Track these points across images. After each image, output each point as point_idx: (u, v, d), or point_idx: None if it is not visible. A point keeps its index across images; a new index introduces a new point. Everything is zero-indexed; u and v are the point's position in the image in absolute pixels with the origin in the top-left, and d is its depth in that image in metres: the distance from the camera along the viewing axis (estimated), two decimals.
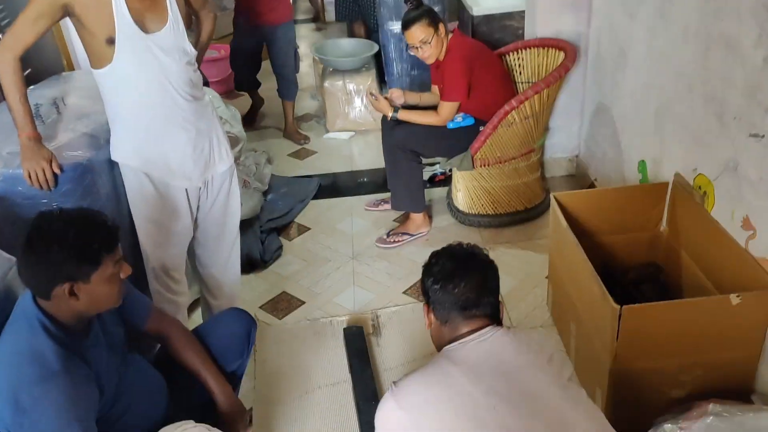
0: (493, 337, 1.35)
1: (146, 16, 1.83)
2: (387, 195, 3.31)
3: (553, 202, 2.25)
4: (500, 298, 1.47)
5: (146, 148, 1.97)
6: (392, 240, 3.04)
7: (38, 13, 1.75)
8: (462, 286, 1.40)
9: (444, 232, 3.11)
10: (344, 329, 2.50)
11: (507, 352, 1.33)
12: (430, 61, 2.82)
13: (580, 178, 3.36)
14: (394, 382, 1.35)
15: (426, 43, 2.74)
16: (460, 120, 2.87)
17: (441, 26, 2.78)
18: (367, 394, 2.22)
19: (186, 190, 2.07)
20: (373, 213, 3.31)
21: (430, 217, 3.17)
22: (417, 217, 3.07)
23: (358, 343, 2.43)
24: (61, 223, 1.43)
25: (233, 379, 1.94)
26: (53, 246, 1.39)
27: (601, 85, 2.96)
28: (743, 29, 1.79)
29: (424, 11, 2.76)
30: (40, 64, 2.69)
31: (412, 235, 3.06)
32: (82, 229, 1.43)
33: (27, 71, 2.48)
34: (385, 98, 2.99)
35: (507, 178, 3.01)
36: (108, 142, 2.03)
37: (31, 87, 2.39)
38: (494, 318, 1.42)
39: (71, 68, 2.97)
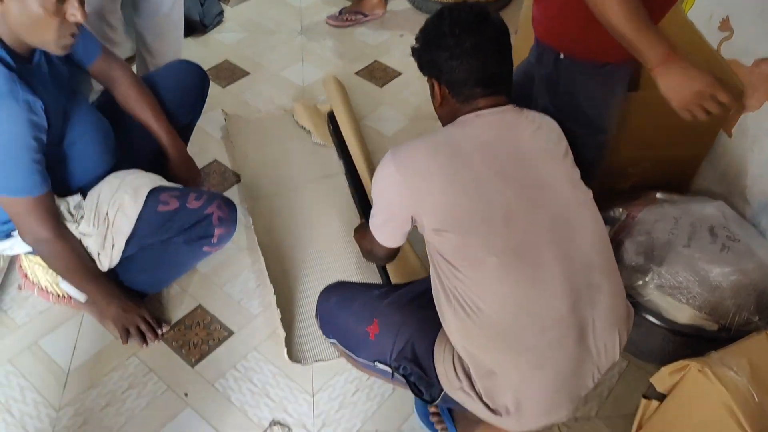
0: (512, 114, 1.24)
1: None
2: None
3: None
4: None
5: None
6: (345, 18, 2.84)
7: None
8: (485, 60, 1.22)
9: (399, 17, 2.94)
10: (328, 114, 2.33)
11: (525, 134, 1.22)
12: None
13: None
14: (395, 147, 1.22)
15: None
16: None
17: None
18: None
19: None
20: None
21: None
22: None
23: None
24: None
25: (185, 133, 1.83)
26: None
27: None
28: None
29: None
30: None
31: (366, 15, 2.87)
32: None
33: None
34: None
35: None
36: None
37: None
38: (510, 95, 1.30)
39: None
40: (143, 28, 2.19)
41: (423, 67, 1.32)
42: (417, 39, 1.31)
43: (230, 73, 2.55)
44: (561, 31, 1.44)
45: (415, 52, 1.31)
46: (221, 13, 2.80)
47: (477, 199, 1.15)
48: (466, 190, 1.15)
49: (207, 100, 1.88)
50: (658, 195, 1.75)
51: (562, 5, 1.41)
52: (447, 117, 1.30)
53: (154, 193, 1.51)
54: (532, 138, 1.23)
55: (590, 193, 1.26)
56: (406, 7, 3.00)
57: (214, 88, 2.45)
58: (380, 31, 2.85)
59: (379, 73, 2.60)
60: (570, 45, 1.44)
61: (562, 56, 1.45)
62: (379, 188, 1.25)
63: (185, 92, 1.78)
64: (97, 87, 1.94)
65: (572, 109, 1.48)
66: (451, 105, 1.27)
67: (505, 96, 1.27)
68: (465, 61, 1.22)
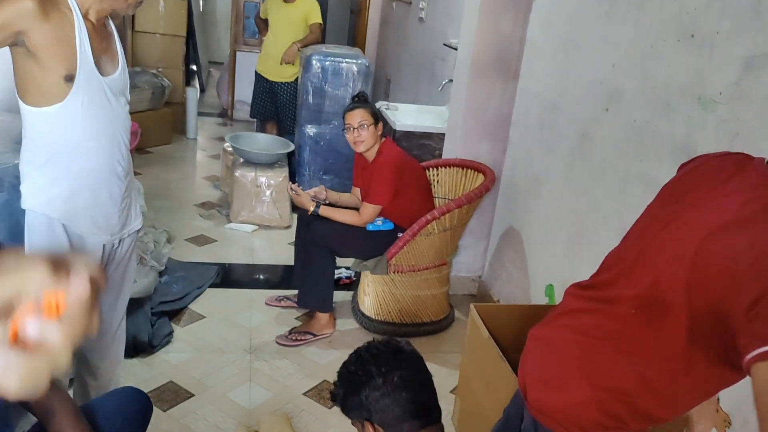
0: None
1: (102, 57, 1.73)
2: (289, 292, 3.21)
3: (473, 312, 2.26)
4: None
5: (76, 197, 1.77)
6: (294, 338, 2.89)
7: None
8: (416, 392, 1.26)
9: (347, 336, 3.01)
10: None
11: None
12: (361, 148, 2.86)
13: (481, 298, 3.44)
14: None
15: (364, 127, 2.81)
16: (380, 224, 2.89)
17: (380, 124, 2.88)
18: None
19: (103, 246, 1.88)
20: (274, 308, 3.16)
21: (335, 319, 3.08)
22: (323, 317, 2.96)
23: None
24: None
25: None
26: None
27: (513, 209, 3.13)
28: (663, 168, 1.98)
29: (370, 103, 2.91)
30: None
31: (315, 336, 2.93)
32: None
33: None
34: (305, 192, 2.97)
35: (417, 287, 3.01)
36: (12, 185, 1.82)
37: None
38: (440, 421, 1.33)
39: None
40: (88, 350, 2.15)
41: (349, 411, 1.30)
42: (336, 384, 1.32)
43: (174, 395, 2.46)
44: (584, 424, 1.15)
45: (338, 399, 1.31)
46: (171, 333, 2.81)
47: None
48: None
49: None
50: None
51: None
52: None
53: None
54: None
55: None
56: (354, 327, 3.10)
57: (154, 412, 2.33)
58: (329, 350, 2.89)
59: (328, 393, 2.55)
60: None
61: None
62: None
63: (126, 422, 1.68)
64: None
65: None
66: None
67: (438, 424, 1.27)
68: (397, 396, 1.23)
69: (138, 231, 2.48)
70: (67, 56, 1.63)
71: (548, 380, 1.18)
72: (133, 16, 5.48)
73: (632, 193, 2.15)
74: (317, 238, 2.87)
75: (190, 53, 6.68)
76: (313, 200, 2.92)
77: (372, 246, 2.88)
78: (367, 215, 2.85)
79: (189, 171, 5.14)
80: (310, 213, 2.89)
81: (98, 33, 1.72)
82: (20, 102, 1.69)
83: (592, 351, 1.12)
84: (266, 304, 3.19)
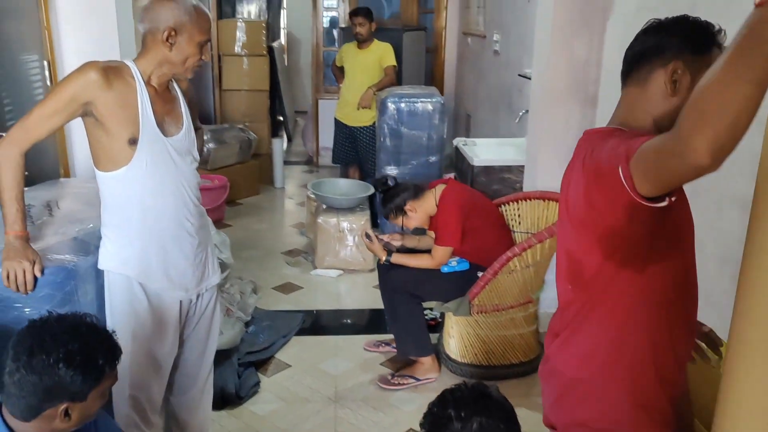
0: None
1: (166, 119, 1.81)
2: (382, 336, 3.20)
3: None
4: None
5: (148, 255, 1.84)
6: (397, 382, 2.87)
7: (55, 109, 1.69)
8: None
9: (437, 382, 2.93)
10: None
11: None
12: (418, 224, 2.91)
13: None
14: None
15: (405, 220, 2.89)
16: (455, 264, 2.83)
17: (421, 198, 2.86)
18: None
19: (180, 302, 1.93)
20: (359, 354, 3.14)
21: (440, 363, 3.00)
22: (426, 361, 2.92)
23: None
24: (67, 335, 1.26)
25: None
26: (59, 364, 1.22)
27: None
28: None
29: (391, 207, 2.90)
30: (37, 169, 2.62)
31: (419, 380, 2.89)
32: (86, 341, 1.27)
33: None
34: (379, 239, 2.96)
35: (503, 327, 2.89)
36: (97, 248, 1.91)
37: (26, 189, 2.30)
38: None
39: (68, 176, 2.91)
40: (177, 406, 2.19)
41: None
42: (422, 425, 1.28)
43: None
44: None
45: None
46: (258, 383, 2.84)
47: None
48: None
49: None
50: None
51: None
52: None
53: None
54: None
55: None
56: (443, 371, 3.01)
57: None
58: (415, 395, 2.81)
59: None
60: None
61: None
62: None
63: None
64: None
65: None
66: None
67: None
68: None
69: (221, 284, 2.56)
70: (130, 121, 1.71)
71: None
72: (219, 76, 5.78)
73: (728, 218, 1.97)
74: (397, 285, 2.86)
75: (276, 105, 6.95)
76: (385, 248, 2.91)
77: (451, 287, 2.81)
78: (439, 258, 2.81)
79: (277, 219, 5.27)
80: (382, 262, 2.89)
81: (161, 97, 1.80)
82: (95, 169, 1.79)
83: None
84: (365, 348, 3.18)
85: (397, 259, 2.89)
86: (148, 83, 1.77)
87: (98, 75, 1.67)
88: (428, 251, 2.90)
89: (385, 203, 2.94)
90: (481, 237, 2.83)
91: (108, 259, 1.85)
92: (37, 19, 2.71)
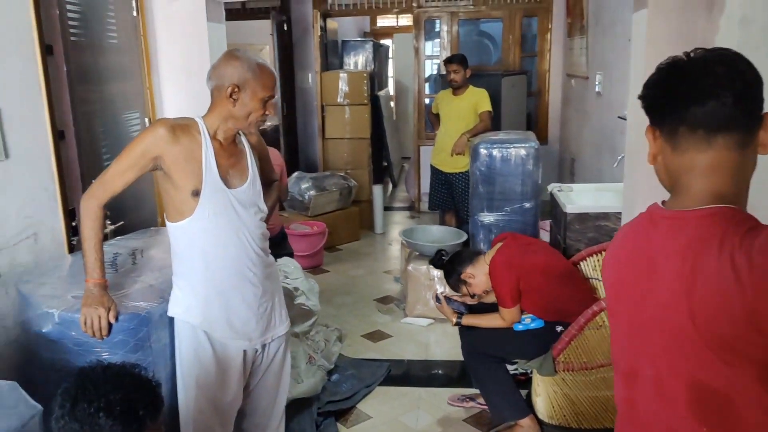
0: None
1: (230, 172, 1.89)
2: (473, 391, 3.07)
3: None
4: None
5: (211, 303, 1.91)
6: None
7: (129, 164, 1.81)
8: None
9: None
10: None
11: None
12: (482, 288, 2.80)
13: None
14: None
15: (469, 288, 2.80)
16: (529, 322, 2.70)
17: (473, 265, 2.79)
18: None
19: (244, 351, 1.96)
20: (442, 408, 3.03)
21: (540, 425, 2.80)
22: (524, 422, 2.75)
23: None
24: (109, 385, 1.30)
25: None
26: (99, 413, 1.26)
27: None
28: None
29: (451, 282, 2.86)
30: (136, 217, 2.81)
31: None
32: (128, 392, 1.31)
33: (120, 223, 2.60)
34: (451, 299, 2.90)
35: (594, 387, 2.68)
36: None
37: (119, 238, 2.47)
38: None
39: (164, 225, 3.09)
40: None
41: None
42: None
43: None
44: None
45: None
46: None
47: None
48: None
49: None
50: None
51: None
52: None
53: None
54: None
55: None
56: None
57: None
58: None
59: None
60: None
61: None
62: None
63: None
64: None
65: None
66: None
67: None
68: None
69: (306, 331, 2.57)
70: (194, 174, 1.80)
71: None
72: (323, 126, 6.00)
73: None
74: (472, 346, 2.80)
75: (382, 152, 7.09)
76: (455, 311, 2.83)
77: (530, 346, 2.67)
78: (508, 318, 2.71)
79: (374, 266, 5.30)
80: (453, 325, 2.81)
81: (227, 150, 1.88)
82: (165, 220, 1.89)
83: None
84: (448, 403, 3.07)
85: (468, 320, 2.82)
86: (213, 137, 1.85)
87: (166, 131, 1.78)
88: None
89: (446, 278, 2.90)
90: (547, 293, 2.68)
91: (175, 306, 1.93)
92: (140, 79, 2.94)
